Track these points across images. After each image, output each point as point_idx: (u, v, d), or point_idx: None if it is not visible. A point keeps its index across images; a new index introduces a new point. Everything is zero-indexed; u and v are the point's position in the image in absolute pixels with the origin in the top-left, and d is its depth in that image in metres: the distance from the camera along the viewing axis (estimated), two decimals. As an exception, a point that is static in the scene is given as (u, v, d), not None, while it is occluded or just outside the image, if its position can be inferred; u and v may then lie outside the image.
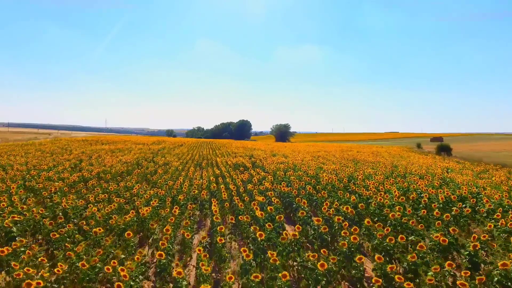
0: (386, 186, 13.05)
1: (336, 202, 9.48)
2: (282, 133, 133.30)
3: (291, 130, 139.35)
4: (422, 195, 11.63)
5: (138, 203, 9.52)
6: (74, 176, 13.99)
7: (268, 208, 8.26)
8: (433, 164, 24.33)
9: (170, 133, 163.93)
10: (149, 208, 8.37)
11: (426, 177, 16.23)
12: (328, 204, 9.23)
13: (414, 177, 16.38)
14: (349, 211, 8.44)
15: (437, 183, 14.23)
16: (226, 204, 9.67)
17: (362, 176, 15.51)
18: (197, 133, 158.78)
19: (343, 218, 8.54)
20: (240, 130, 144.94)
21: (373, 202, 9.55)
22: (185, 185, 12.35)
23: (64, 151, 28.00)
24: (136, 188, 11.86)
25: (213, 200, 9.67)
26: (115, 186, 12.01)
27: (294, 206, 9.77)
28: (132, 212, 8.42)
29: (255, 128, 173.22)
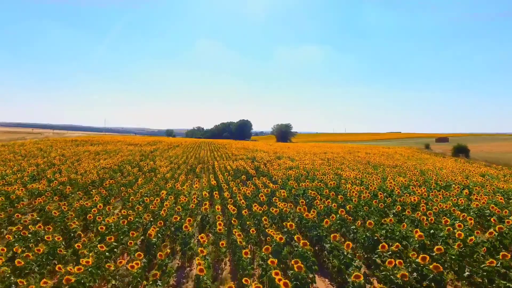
0: (439, 205, 9.49)
1: (397, 244, 5.89)
2: (283, 133, 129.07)
3: (292, 130, 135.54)
4: (493, 218, 8.07)
5: (79, 246, 5.90)
6: (21, 190, 10.41)
7: (295, 264, 4.67)
8: (466, 170, 20.74)
9: (169, 133, 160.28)
10: (84, 265, 4.77)
11: (475, 189, 12.70)
12: (386, 247, 5.66)
13: (458, 187, 12.80)
14: (434, 270, 4.82)
15: (500, 198, 10.64)
16: (222, 243, 6.10)
17: (398, 189, 11.93)
18: (197, 133, 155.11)
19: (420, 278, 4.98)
20: (240, 130, 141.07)
21: (456, 243, 5.96)
22: (167, 203, 8.78)
23: (42, 153, 24.44)
24: (95, 210, 8.26)
25: (202, 237, 6.09)
26: (66, 208, 8.43)
27: (327, 246, 6.17)
28: (59, 268, 4.86)
29: (255, 128, 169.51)
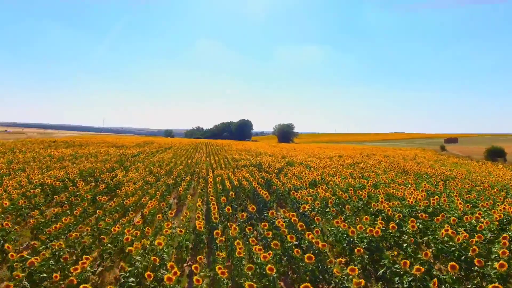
0: None
1: None
2: (285, 133, 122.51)
3: (294, 130, 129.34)
4: None
5: None
6: None
7: None
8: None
9: (168, 133, 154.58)
10: None
11: None
12: None
13: None
14: None
15: None
16: None
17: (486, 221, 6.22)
18: (196, 133, 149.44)
19: None
20: (240, 130, 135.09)
21: None
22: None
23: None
24: None
25: None
26: None
27: None
28: None
29: (255, 128, 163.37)
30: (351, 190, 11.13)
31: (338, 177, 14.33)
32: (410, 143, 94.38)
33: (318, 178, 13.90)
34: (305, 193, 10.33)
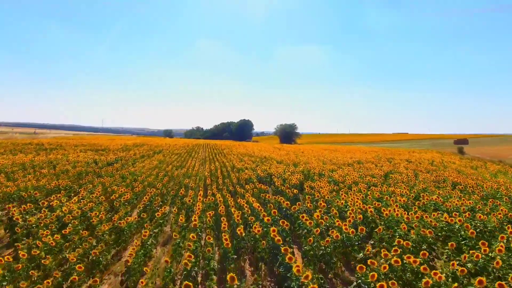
0: None
1: None
2: (287, 134, 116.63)
3: (296, 130, 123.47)
4: None
5: None
6: None
7: None
8: None
9: (168, 133, 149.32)
10: None
11: None
12: None
13: None
14: None
15: None
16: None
17: None
18: (196, 133, 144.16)
19: None
20: (241, 130, 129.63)
21: None
22: None
23: None
24: None
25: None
26: None
27: None
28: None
29: (256, 128, 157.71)
30: (453, 246, 5.80)
31: (395, 205, 8.96)
32: (418, 144, 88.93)
33: (370, 210, 8.53)
34: (379, 261, 5.01)
